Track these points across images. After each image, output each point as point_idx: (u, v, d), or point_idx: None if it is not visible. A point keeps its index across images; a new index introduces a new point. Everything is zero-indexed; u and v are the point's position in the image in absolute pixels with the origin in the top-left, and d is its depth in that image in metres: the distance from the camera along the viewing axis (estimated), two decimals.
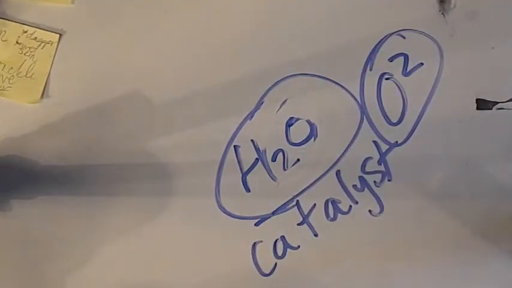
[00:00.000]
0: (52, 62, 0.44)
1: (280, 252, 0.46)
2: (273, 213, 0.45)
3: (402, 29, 0.44)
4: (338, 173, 0.45)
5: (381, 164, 0.45)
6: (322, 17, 0.44)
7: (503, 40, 0.44)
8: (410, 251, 0.45)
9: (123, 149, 0.45)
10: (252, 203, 0.45)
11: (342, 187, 0.45)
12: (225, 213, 0.45)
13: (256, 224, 0.45)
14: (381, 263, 0.45)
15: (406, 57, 0.44)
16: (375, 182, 0.45)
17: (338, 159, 0.45)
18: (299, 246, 0.46)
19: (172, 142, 0.45)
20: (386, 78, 0.44)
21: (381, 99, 0.44)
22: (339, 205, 0.45)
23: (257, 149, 0.45)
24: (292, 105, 0.45)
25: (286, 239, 0.45)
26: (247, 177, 0.45)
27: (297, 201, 0.45)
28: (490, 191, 0.45)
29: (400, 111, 0.45)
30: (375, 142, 0.45)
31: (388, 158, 0.45)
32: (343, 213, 0.45)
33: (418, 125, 0.44)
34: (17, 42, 0.44)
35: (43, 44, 0.44)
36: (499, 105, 0.44)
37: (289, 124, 0.45)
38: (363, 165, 0.45)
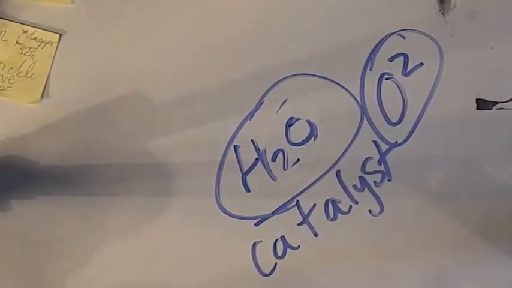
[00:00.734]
0: (52, 62, 0.44)
1: (280, 252, 0.46)
2: (273, 213, 0.45)
3: (402, 29, 0.44)
4: (338, 173, 0.45)
5: (381, 164, 0.45)
6: (322, 17, 0.44)
7: (503, 40, 0.44)
8: (410, 251, 0.45)
9: (123, 149, 0.45)
10: (252, 203, 0.45)
11: (342, 187, 0.45)
12: (225, 213, 0.45)
13: (256, 224, 0.45)
14: (381, 263, 0.45)
15: (406, 57, 0.44)
16: (375, 182, 0.45)
17: (338, 159, 0.45)
18: (299, 246, 0.46)
19: (172, 142, 0.45)
20: (387, 78, 0.44)
21: (381, 99, 0.44)
22: (339, 205, 0.45)
23: (257, 149, 0.45)
24: (292, 105, 0.45)
25: (286, 239, 0.45)
26: (247, 177, 0.45)
27: (297, 201, 0.45)
28: (490, 191, 0.45)
29: (400, 111, 0.45)
30: (375, 142, 0.45)
31: (388, 158, 0.45)
32: (343, 213, 0.45)
33: (418, 125, 0.44)
34: (17, 42, 0.44)
35: (43, 44, 0.44)
36: (499, 105, 0.44)
37: (289, 124, 0.45)
38: (363, 165, 0.45)
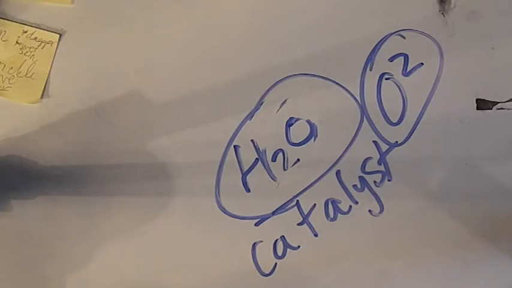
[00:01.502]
0: (52, 62, 0.44)
1: (280, 252, 0.46)
2: (273, 213, 0.45)
3: (402, 29, 0.44)
4: (338, 173, 0.45)
5: (381, 164, 0.45)
6: (322, 17, 0.44)
7: (503, 40, 0.44)
8: (410, 251, 0.45)
9: (123, 149, 0.45)
10: (252, 203, 0.45)
11: (342, 187, 0.45)
12: (225, 213, 0.45)
13: (256, 224, 0.45)
14: (381, 263, 0.45)
15: (406, 57, 0.44)
16: (375, 182, 0.45)
17: (338, 159, 0.45)
18: (299, 246, 0.46)
19: (172, 142, 0.45)
20: (387, 78, 0.44)
21: (380, 99, 0.44)
22: (339, 205, 0.45)
23: (257, 149, 0.45)
24: (292, 105, 0.45)
25: (286, 239, 0.45)
26: (247, 177, 0.45)
27: (297, 201, 0.45)
28: (490, 191, 0.45)
29: (400, 111, 0.45)
30: (375, 142, 0.45)
31: (388, 158, 0.45)
32: (343, 213, 0.45)
33: (418, 125, 0.44)
34: (17, 42, 0.44)
35: (43, 44, 0.44)
36: (499, 105, 0.44)
37: (289, 124, 0.45)
38: (363, 165, 0.45)
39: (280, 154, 0.45)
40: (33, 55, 0.44)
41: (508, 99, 0.44)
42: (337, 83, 0.44)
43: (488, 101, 0.44)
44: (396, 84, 0.44)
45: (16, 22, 0.44)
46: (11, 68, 0.44)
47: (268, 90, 0.45)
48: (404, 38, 0.44)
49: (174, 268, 0.45)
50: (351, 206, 0.45)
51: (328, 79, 0.44)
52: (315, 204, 0.45)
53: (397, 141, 0.45)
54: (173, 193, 0.45)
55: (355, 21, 0.44)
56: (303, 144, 0.45)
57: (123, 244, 0.45)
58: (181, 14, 0.44)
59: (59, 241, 0.45)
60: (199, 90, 0.44)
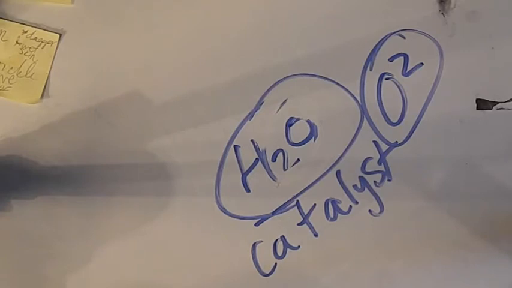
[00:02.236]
0: (52, 62, 0.44)
1: (280, 252, 0.46)
2: (273, 213, 0.45)
3: (402, 29, 0.44)
4: (338, 173, 0.45)
5: (381, 164, 0.45)
6: (322, 17, 0.44)
7: (503, 40, 0.44)
8: (410, 251, 0.45)
9: (123, 149, 0.45)
10: (252, 203, 0.45)
11: (342, 187, 0.45)
12: (225, 213, 0.45)
13: (256, 224, 0.45)
14: (381, 263, 0.45)
15: (406, 57, 0.44)
16: (375, 182, 0.45)
17: (338, 159, 0.45)
18: (299, 246, 0.46)
19: (172, 142, 0.45)
20: (387, 78, 0.44)
21: (380, 99, 0.44)
22: (339, 205, 0.45)
23: (257, 149, 0.45)
24: (292, 105, 0.45)
25: (286, 239, 0.45)
26: (247, 177, 0.45)
27: (297, 201, 0.45)
28: (490, 191, 0.45)
29: (400, 111, 0.45)
30: (375, 142, 0.45)
31: (388, 158, 0.45)
32: (343, 213, 0.45)
33: (418, 125, 0.44)
34: (17, 42, 0.44)
35: (43, 44, 0.44)
36: (499, 105, 0.44)
37: (289, 124, 0.45)
38: (363, 165, 0.45)
39: (280, 154, 0.45)
40: (33, 55, 0.44)
41: (508, 99, 0.44)
42: (337, 83, 0.44)
43: (488, 101, 0.44)
44: (396, 84, 0.44)
45: (16, 22, 0.44)
46: (11, 68, 0.44)
47: (268, 90, 0.45)
48: (404, 38, 0.44)
49: (174, 268, 0.45)
50: (351, 206, 0.45)
51: (328, 79, 0.44)
52: (315, 204, 0.45)
53: (397, 141, 0.45)
54: (173, 193, 0.45)
55: (355, 21, 0.44)
56: (303, 144, 0.45)
57: (123, 244, 0.45)
58: (181, 14, 0.44)
59: (59, 241, 0.45)
60: (199, 90, 0.45)
